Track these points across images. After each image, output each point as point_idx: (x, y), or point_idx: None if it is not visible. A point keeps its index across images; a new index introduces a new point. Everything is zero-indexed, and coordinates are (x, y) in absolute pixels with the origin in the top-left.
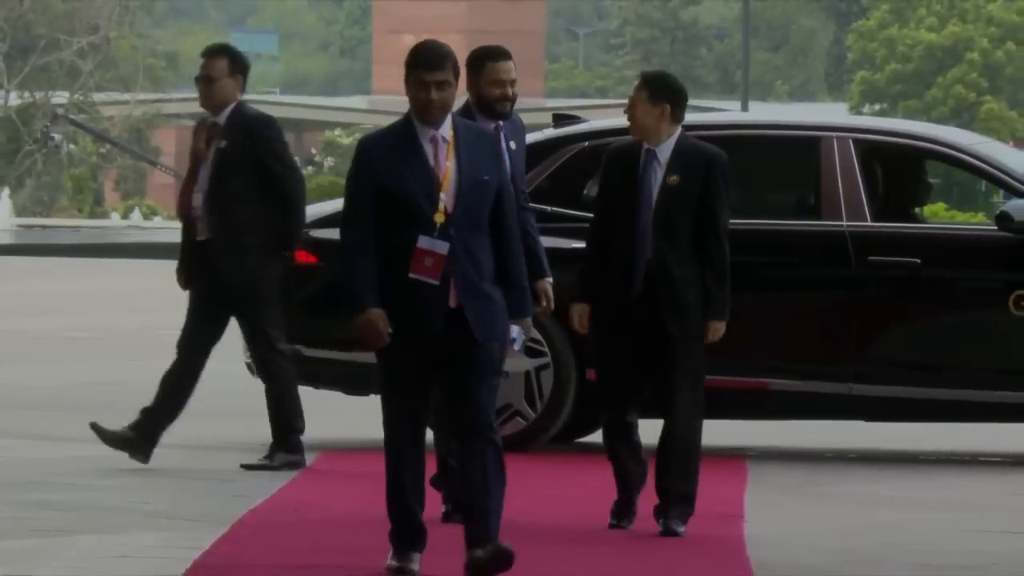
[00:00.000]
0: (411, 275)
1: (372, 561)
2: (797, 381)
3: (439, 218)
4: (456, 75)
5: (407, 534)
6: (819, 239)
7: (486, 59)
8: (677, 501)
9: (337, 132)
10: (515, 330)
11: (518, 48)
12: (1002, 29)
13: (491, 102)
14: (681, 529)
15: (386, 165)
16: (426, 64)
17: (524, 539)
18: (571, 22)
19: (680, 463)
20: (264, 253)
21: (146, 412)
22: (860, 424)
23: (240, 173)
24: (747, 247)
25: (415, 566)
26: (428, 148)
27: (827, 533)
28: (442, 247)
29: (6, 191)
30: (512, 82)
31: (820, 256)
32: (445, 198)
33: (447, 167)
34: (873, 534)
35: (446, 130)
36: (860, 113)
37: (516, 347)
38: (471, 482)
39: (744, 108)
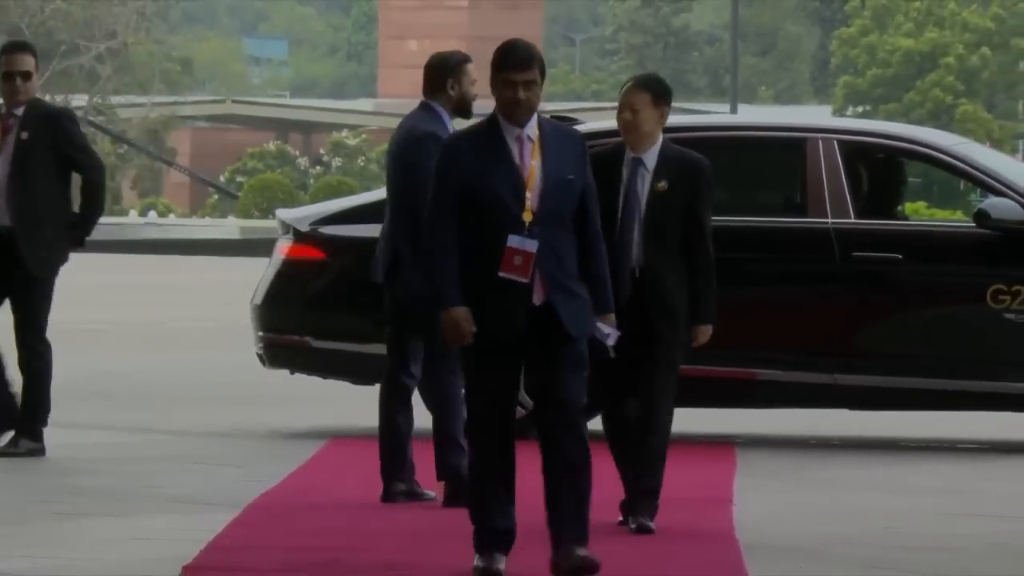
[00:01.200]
0: (501, 274)
1: (377, 544)
2: (784, 371)
3: (527, 216)
4: (543, 75)
5: (490, 534)
6: (805, 235)
7: (464, 62)
8: (646, 497)
9: (344, 133)
10: (608, 328)
11: None
12: (977, 35)
13: (471, 104)
14: (651, 524)
15: (472, 164)
16: (515, 65)
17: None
18: (568, 28)
19: (652, 460)
20: (60, 242)
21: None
22: (844, 412)
23: (41, 163)
24: (737, 243)
25: (501, 566)
26: (514, 147)
27: (812, 516)
28: (531, 246)
29: None
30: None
31: (806, 252)
32: (530, 196)
33: (532, 165)
34: (856, 517)
35: (531, 129)
36: (843, 115)
37: (611, 342)
38: (555, 480)
39: (733, 110)
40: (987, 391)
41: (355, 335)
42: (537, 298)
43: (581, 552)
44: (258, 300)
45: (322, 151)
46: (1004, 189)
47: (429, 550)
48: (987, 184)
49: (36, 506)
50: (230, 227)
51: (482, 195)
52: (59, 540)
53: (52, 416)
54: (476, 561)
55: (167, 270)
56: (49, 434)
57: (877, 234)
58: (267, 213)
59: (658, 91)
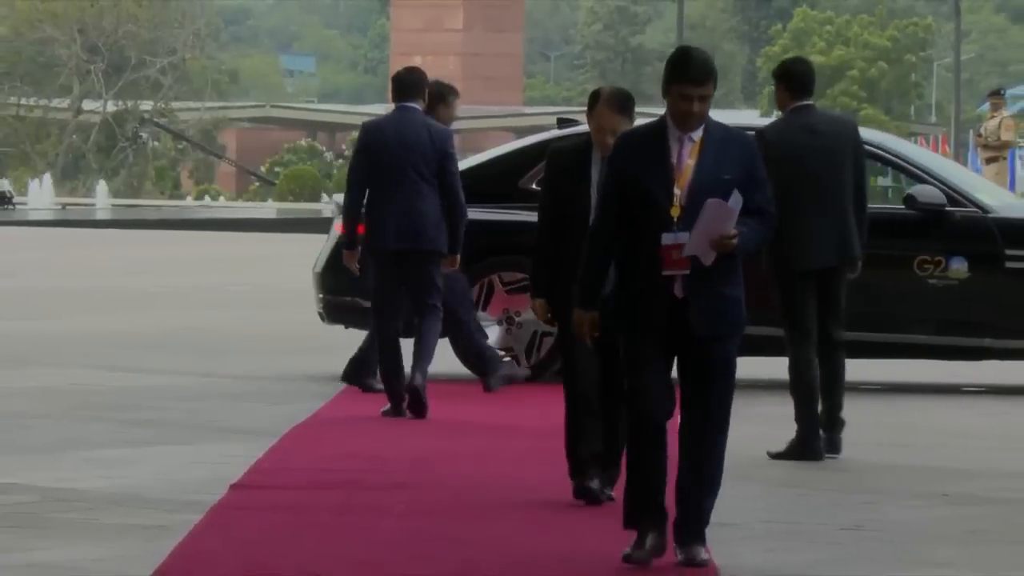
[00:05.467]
0: (664, 271)
1: (390, 467)
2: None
3: (675, 212)
4: (715, 86)
5: (646, 513)
6: None
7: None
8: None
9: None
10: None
11: (502, 67)
12: (876, 52)
13: None
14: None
15: (631, 161)
16: (693, 79)
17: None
18: (543, 47)
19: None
20: None
21: None
22: (767, 359)
23: None
24: None
25: (653, 542)
26: (674, 147)
27: (740, 444)
28: (685, 237)
29: (103, 179)
30: None
31: None
32: (679, 193)
33: (688, 164)
34: (776, 445)
35: (696, 131)
36: (769, 118)
37: (735, 204)
38: (684, 476)
39: None
40: (913, 343)
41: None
42: (679, 291)
43: (697, 550)
44: (318, 268)
45: (344, 147)
46: (928, 178)
47: (433, 471)
48: (915, 174)
49: (112, 436)
50: (268, 209)
51: (635, 190)
52: (131, 464)
53: (127, 363)
54: (627, 550)
55: (218, 244)
56: (123, 378)
57: None
58: (299, 197)
59: (631, 111)
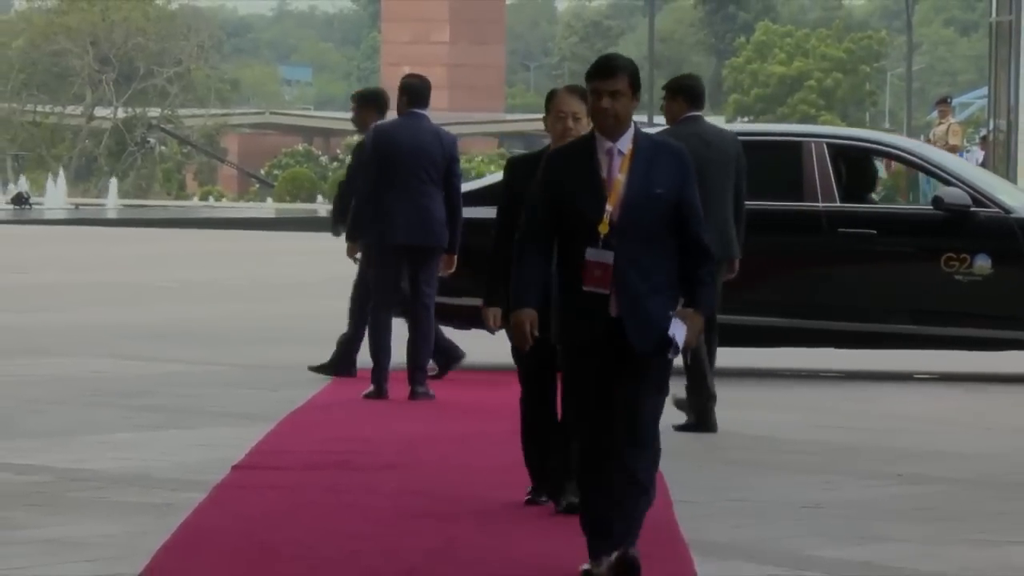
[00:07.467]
0: (584, 287)
1: (380, 448)
2: (784, 318)
3: (603, 228)
4: (633, 87)
5: (597, 535)
6: (802, 215)
7: None
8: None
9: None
10: (674, 328)
11: (485, 77)
12: (832, 63)
13: None
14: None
15: (560, 175)
16: (598, 73)
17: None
18: (524, 58)
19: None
20: None
21: None
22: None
23: None
24: (750, 222)
25: (604, 570)
26: (603, 160)
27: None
28: (608, 257)
29: (114, 180)
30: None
31: (803, 228)
32: (611, 209)
33: (618, 179)
34: (742, 428)
35: (624, 143)
36: (732, 124)
37: (674, 344)
38: (619, 487)
39: (650, 121)
40: (941, 335)
41: (448, 290)
42: (613, 309)
43: (631, 552)
44: None
45: (338, 151)
46: (954, 181)
47: (420, 453)
48: (942, 177)
49: (122, 420)
50: (267, 209)
51: (565, 206)
52: (140, 446)
53: (137, 352)
54: (585, 565)
55: (220, 241)
56: (132, 366)
57: (857, 214)
58: (296, 198)
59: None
